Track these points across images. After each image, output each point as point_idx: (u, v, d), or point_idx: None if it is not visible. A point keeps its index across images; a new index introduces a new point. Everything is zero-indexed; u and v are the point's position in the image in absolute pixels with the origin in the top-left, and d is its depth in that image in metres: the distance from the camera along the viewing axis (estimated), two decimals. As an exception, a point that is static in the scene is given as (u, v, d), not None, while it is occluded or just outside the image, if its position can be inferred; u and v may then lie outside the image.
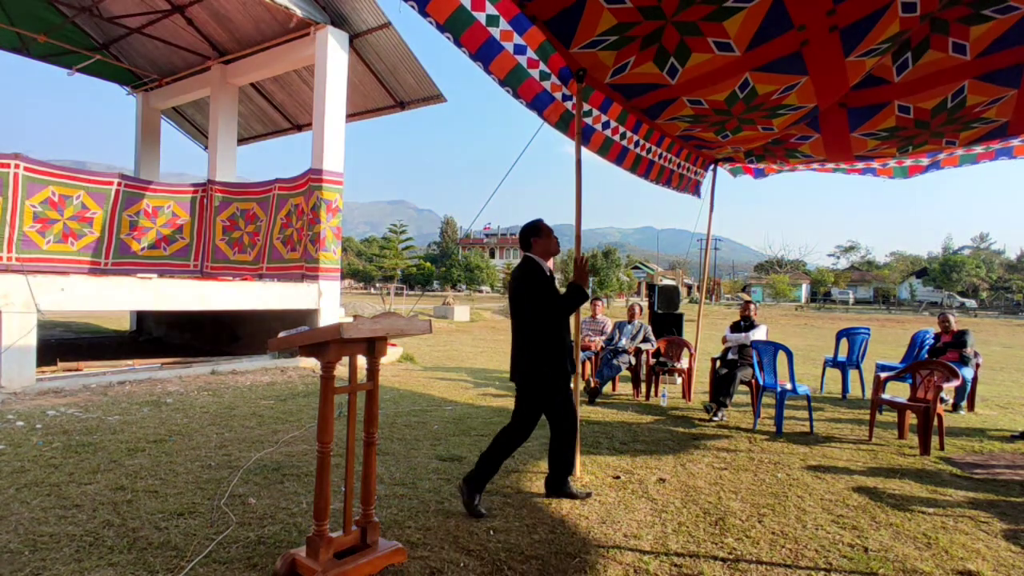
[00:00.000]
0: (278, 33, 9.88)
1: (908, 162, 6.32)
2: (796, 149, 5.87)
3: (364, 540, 2.64)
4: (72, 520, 2.99)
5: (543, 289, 3.38)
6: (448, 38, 3.39)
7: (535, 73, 3.95)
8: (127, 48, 12.18)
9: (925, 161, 6.16)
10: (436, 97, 10.52)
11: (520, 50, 3.74)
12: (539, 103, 4.22)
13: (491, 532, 3.03)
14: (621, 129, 5.13)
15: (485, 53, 3.59)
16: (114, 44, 12.15)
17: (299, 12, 8.48)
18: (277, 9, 8.60)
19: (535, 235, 3.52)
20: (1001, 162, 6.00)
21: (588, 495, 3.60)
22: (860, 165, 6.68)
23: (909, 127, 4.86)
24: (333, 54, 8.92)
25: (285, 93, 12.60)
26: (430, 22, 3.26)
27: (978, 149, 5.82)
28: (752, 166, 7.33)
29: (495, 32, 3.54)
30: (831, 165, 6.81)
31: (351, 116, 11.02)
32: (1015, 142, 5.55)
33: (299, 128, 13.26)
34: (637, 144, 5.46)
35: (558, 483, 3.58)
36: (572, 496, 3.56)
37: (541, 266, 3.46)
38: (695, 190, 7.23)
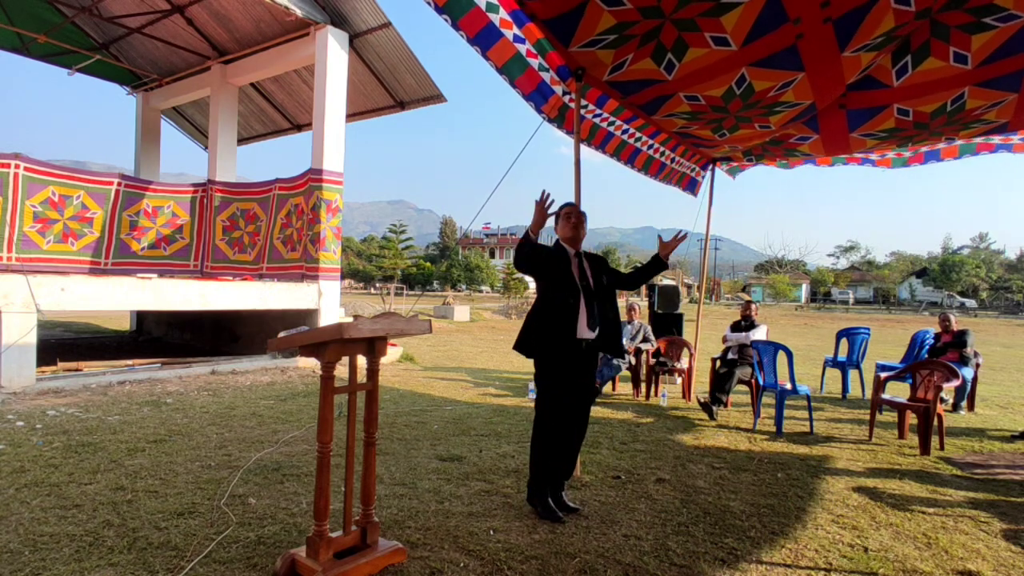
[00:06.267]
0: (278, 33, 9.88)
1: (907, 154, 6.33)
2: (795, 149, 5.88)
3: (364, 540, 2.64)
4: (72, 520, 2.99)
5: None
6: (446, 20, 3.39)
7: (534, 63, 3.96)
8: (127, 48, 12.18)
9: (924, 149, 6.18)
10: (436, 97, 10.52)
11: (519, 39, 3.74)
12: (539, 95, 4.21)
13: (491, 532, 3.03)
14: (615, 121, 5.15)
15: (484, 38, 3.59)
16: (114, 44, 12.15)
17: (299, 12, 8.49)
18: (277, 9, 8.59)
19: (555, 223, 3.51)
20: (1002, 163, 6.15)
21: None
22: (859, 154, 6.69)
23: (908, 128, 4.87)
24: (333, 54, 8.92)
25: (285, 93, 12.60)
26: (428, 2, 3.26)
27: (978, 139, 5.84)
28: (750, 164, 7.34)
29: (494, 18, 3.53)
30: (830, 157, 6.82)
31: (351, 116, 11.01)
32: (1015, 138, 5.56)
33: (299, 128, 13.25)
34: (626, 132, 5.47)
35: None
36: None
37: (554, 249, 3.44)
38: (689, 186, 7.23)
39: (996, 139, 5.71)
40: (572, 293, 3.30)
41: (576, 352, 3.29)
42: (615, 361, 6.94)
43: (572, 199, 4.11)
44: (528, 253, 3.22)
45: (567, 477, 3.45)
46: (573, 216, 3.45)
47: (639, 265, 3.92)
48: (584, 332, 3.29)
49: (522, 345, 3.39)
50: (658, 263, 3.65)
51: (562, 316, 3.27)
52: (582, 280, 3.35)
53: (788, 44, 3.68)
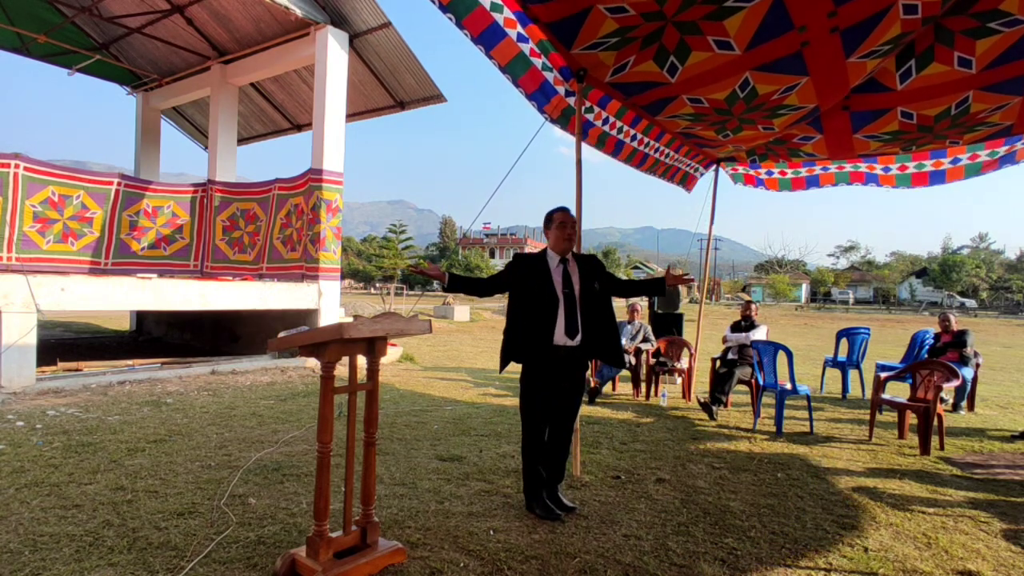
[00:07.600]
0: (278, 33, 9.88)
1: (911, 168, 6.31)
2: (799, 149, 5.88)
3: (364, 540, 2.64)
4: (72, 520, 2.99)
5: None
6: (450, 19, 3.38)
7: (538, 63, 3.95)
8: (127, 48, 12.18)
9: (928, 165, 6.17)
10: (436, 97, 10.52)
11: (523, 39, 3.74)
12: (541, 95, 4.21)
13: (491, 532, 3.03)
14: (619, 124, 5.15)
15: (488, 38, 3.58)
16: (114, 44, 12.15)
17: (299, 12, 8.48)
18: (277, 9, 8.60)
19: (546, 226, 3.43)
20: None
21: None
22: (863, 167, 6.68)
23: (912, 131, 4.87)
24: (333, 54, 8.92)
25: (285, 93, 12.59)
26: (432, 1, 3.26)
27: (983, 156, 5.84)
28: (754, 175, 7.37)
29: (498, 18, 3.53)
30: (833, 169, 6.82)
31: (351, 116, 11.01)
32: (1019, 145, 5.56)
33: (299, 128, 13.25)
34: (635, 138, 5.47)
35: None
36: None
37: (535, 258, 3.38)
38: (685, 182, 7.24)
39: (1000, 149, 5.70)
40: (550, 301, 3.26)
41: (553, 358, 3.26)
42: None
43: (571, 199, 4.10)
44: (471, 286, 3.48)
45: (559, 480, 3.43)
46: (568, 226, 3.35)
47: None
48: (561, 339, 3.25)
49: (503, 358, 3.36)
50: (659, 287, 3.60)
51: (538, 323, 3.26)
52: (565, 287, 3.30)
53: (793, 51, 3.68)
